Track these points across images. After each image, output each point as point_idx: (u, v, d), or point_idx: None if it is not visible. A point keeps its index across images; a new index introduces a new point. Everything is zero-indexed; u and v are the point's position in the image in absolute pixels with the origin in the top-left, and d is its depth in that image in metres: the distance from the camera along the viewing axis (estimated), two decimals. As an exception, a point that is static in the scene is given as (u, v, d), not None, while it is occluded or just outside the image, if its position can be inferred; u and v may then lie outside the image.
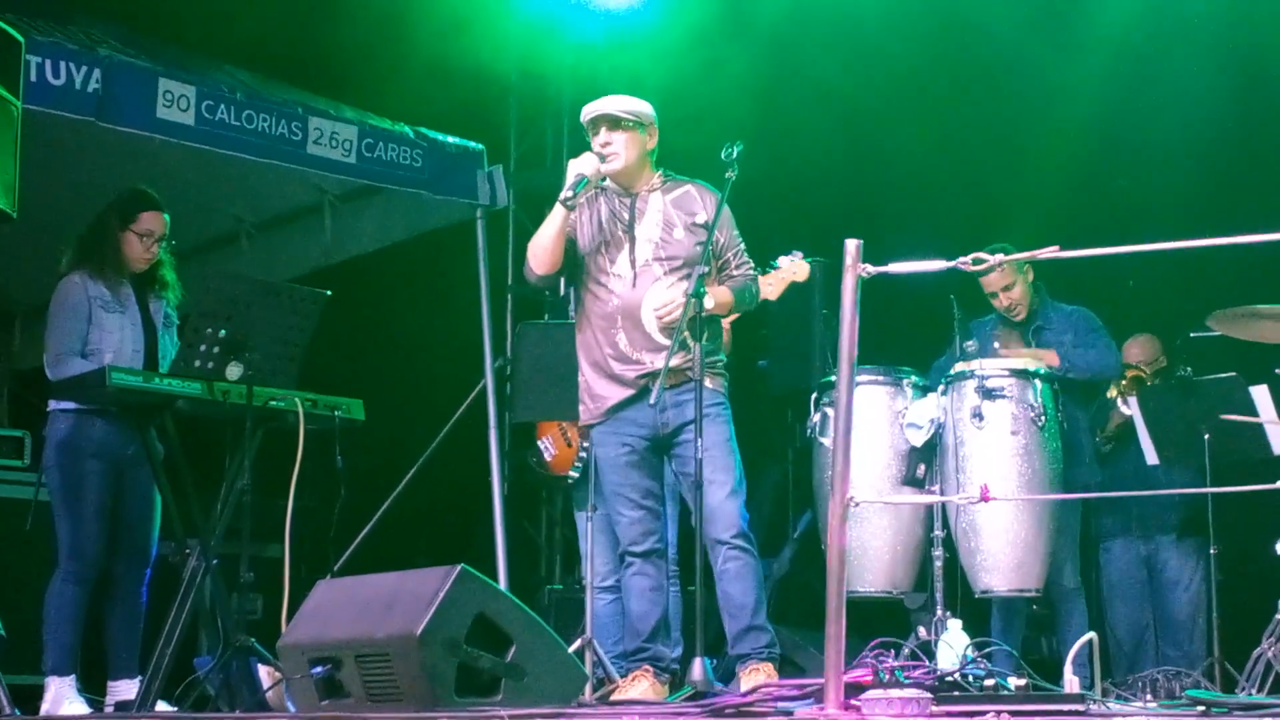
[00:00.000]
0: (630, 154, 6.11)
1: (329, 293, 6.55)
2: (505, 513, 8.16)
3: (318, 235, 8.55)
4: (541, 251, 6.13)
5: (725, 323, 6.42)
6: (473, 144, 8.39)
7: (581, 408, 6.21)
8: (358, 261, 9.07)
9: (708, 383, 6.02)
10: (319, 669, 5.10)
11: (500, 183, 8.35)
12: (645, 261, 6.07)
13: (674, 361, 5.93)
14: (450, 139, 8.28)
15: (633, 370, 6.05)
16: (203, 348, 6.24)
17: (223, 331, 6.24)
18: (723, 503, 5.95)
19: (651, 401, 5.87)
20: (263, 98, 7.62)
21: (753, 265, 6.23)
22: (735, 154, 5.96)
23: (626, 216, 6.14)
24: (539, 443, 7.58)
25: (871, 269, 4.73)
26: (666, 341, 5.95)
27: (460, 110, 8.76)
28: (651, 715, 4.82)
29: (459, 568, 4.97)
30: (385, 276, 9.44)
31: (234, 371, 6.27)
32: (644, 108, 6.17)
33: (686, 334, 5.87)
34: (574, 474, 7.37)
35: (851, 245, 4.72)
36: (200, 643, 7.56)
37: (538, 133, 9.92)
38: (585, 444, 7.27)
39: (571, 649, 6.28)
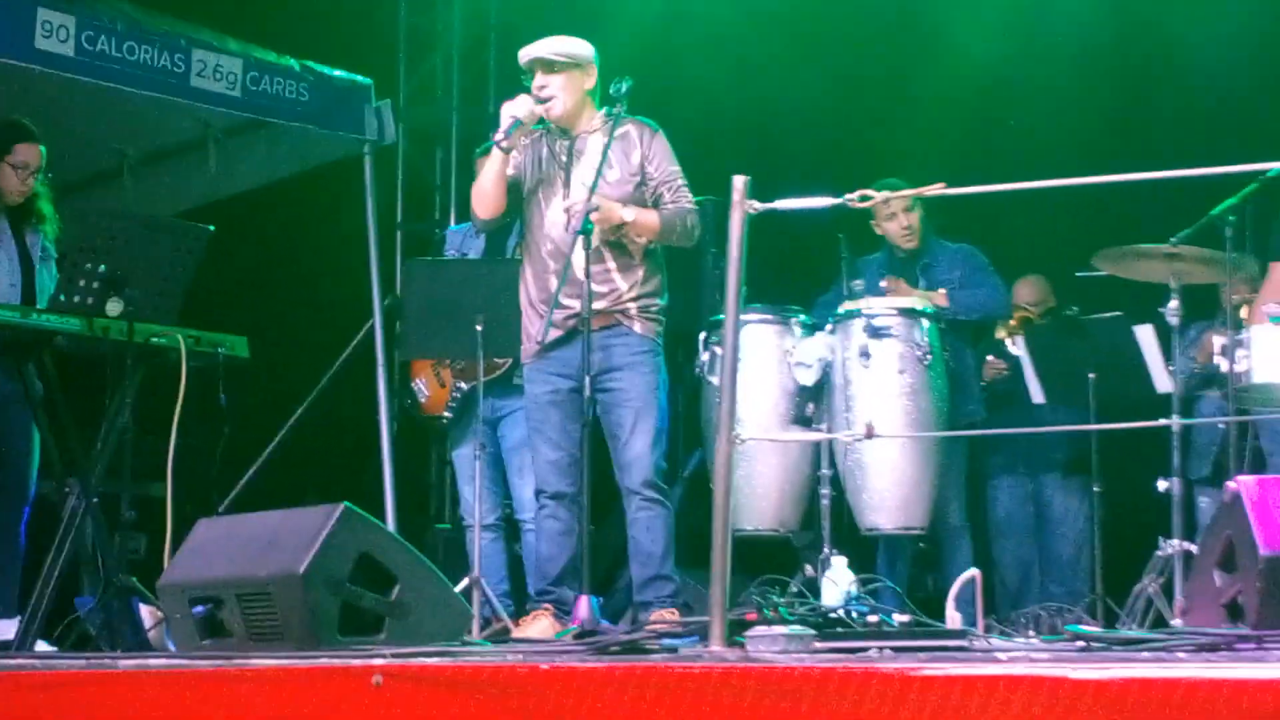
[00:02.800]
0: (568, 97, 6.11)
1: (212, 228, 6.45)
2: (393, 452, 8.10)
3: (202, 170, 8.40)
4: (482, 195, 6.16)
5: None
6: (361, 78, 8.28)
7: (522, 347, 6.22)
8: (244, 197, 8.94)
9: (637, 327, 6.08)
10: (200, 608, 5.03)
11: (389, 118, 8.25)
12: (578, 207, 6.03)
13: (603, 304, 5.97)
14: (338, 73, 8.17)
15: (562, 312, 6.03)
16: (82, 283, 6.12)
17: (102, 267, 6.13)
18: (640, 453, 6.05)
19: (538, 338, 5.89)
20: (145, 29, 7.46)
21: (692, 200, 6.20)
22: (624, 90, 5.95)
23: (564, 159, 6.14)
24: (413, 384, 7.55)
25: (758, 205, 4.72)
26: (595, 287, 5.94)
27: (349, 45, 8.65)
28: (536, 653, 4.80)
29: (342, 506, 4.93)
30: (272, 212, 9.32)
31: (114, 308, 6.15)
32: (581, 49, 6.14)
33: (576, 262, 5.86)
34: (448, 414, 7.34)
35: (739, 182, 4.71)
36: (81, 582, 7.45)
37: (428, 68, 9.81)
38: (460, 384, 7.25)
39: (458, 588, 6.27)
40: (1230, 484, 4.72)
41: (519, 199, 6.22)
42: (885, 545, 7.17)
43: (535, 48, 6.12)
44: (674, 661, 4.27)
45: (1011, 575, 8.03)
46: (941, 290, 7.31)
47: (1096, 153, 8.41)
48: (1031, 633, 6.54)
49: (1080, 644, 4.47)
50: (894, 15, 9.01)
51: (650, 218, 6.07)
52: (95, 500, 6.25)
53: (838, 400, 6.68)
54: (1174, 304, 6.48)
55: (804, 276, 7.88)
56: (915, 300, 6.93)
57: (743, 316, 6.61)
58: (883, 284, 7.34)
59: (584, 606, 5.75)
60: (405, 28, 9.79)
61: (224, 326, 6.54)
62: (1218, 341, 6.17)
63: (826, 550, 6.51)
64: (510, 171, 6.17)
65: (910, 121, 8.97)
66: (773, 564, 6.79)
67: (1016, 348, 7.65)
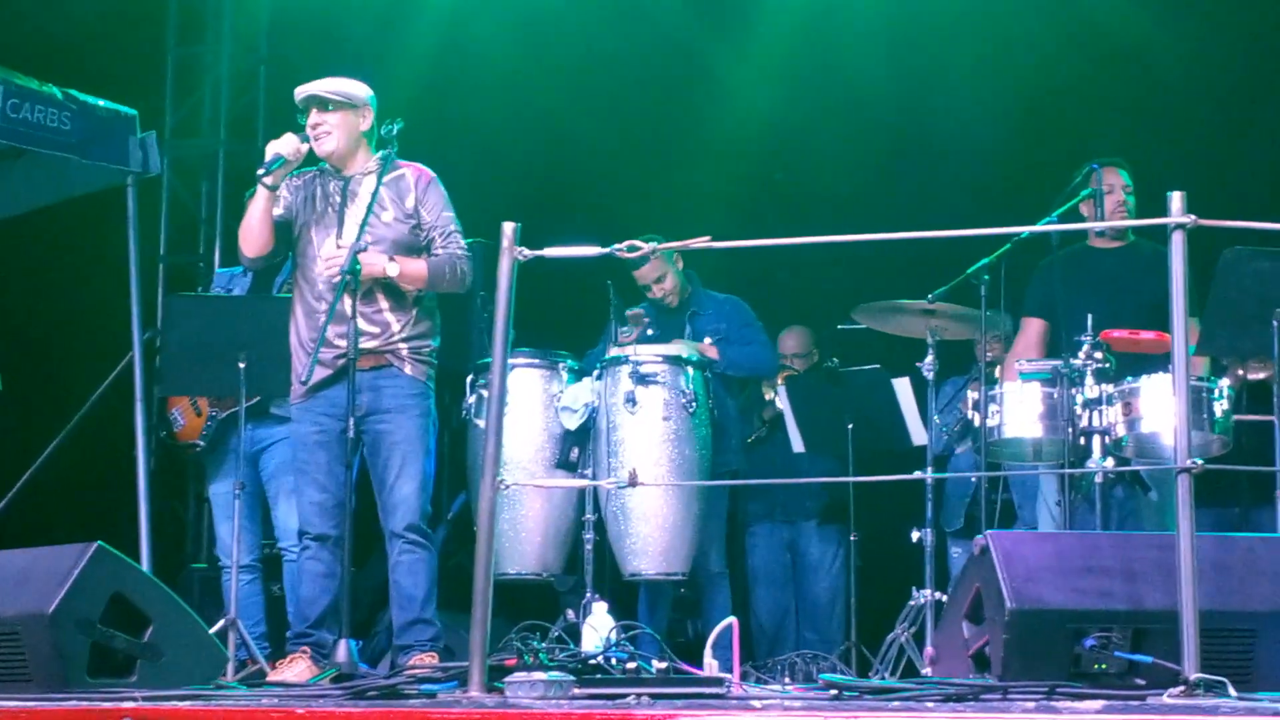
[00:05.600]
0: (341, 135, 6.07)
1: None
2: (150, 489, 7.92)
3: (-41, 197, 8.16)
4: (249, 233, 6.10)
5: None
6: (125, 109, 8.10)
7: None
8: (1, 225, 8.70)
9: (408, 369, 6.05)
10: (-57, 649, 4.89)
11: (154, 150, 8.07)
12: (349, 246, 5.98)
13: (374, 344, 5.96)
14: (102, 103, 7.98)
15: (331, 351, 5.98)
16: None
17: None
18: (406, 496, 6.02)
19: (302, 379, 5.85)
20: (-100, 52, 7.23)
21: (463, 246, 6.19)
22: (395, 131, 5.94)
23: (338, 199, 6.09)
24: (170, 413, 7.43)
25: (527, 252, 4.75)
26: (366, 326, 5.90)
27: (115, 75, 8.48)
28: (292, 696, 4.75)
29: (95, 545, 4.84)
30: (31, 242, 9.08)
31: None
32: (357, 90, 6.11)
33: (344, 302, 5.83)
34: (201, 443, 7.24)
35: (508, 228, 4.74)
36: None
37: (195, 101, 9.67)
38: (214, 412, 7.16)
39: (214, 630, 6.17)
40: (980, 537, 4.86)
41: (289, 238, 6.16)
42: (647, 590, 7.22)
43: (311, 86, 6.09)
44: (431, 707, 4.27)
45: (769, 622, 8.14)
46: (708, 340, 7.41)
47: (863, 208, 8.61)
48: (787, 680, 6.64)
49: (833, 692, 4.57)
50: (677, 66, 9.13)
51: (417, 268, 6.06)
52: None
53: (603, 446, 6.71)
54: (930, 359, 6.66)
55: (573, 322, 7.92)
56: (682, 349, 7.01)
57: (510, 360, 6.70)
58: (649, 333, 7.42)
59: (343, 650, 5.69)
60: (173, 59, 9.66)
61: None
62: (971, 397, 6.34)
63: (589, 595, 6.53)
64: (280, 211, 6.11)
65: (686, 172, 9.09)
66: (536, 608, 6.80)
67: (779, 398, 7.78)
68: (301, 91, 6.08)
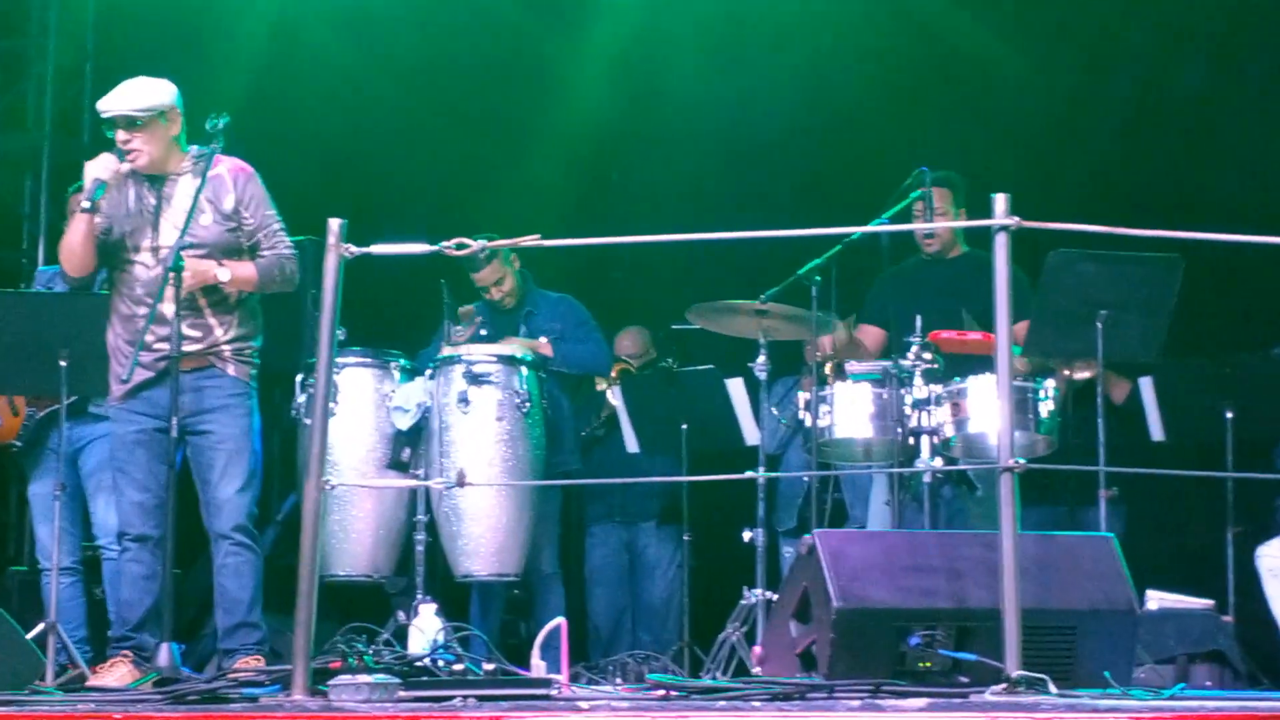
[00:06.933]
0: (153, 149, 5.94)
1: None
2: (-31, 491, 7.75)
3: None
4: (71, 255, 5.98)
5: None
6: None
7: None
8: None
9: (231, 369, 5.97)
10: None
11: (-25, 144, 7.92)
12: (170, 247, 5.85)
13: (197, 346, 5.87)
14: (-80, 94, 7.80)
15: (151, 354, 5.87)
16: None
17: None
18: (231, 497, 5.93)
19: (123, 376, 5.74)
20: None
21: (289, 245, 6.09)
22: (220, 126, 5.83)
23: (154, 202, 5.97)
24: None
25: (354, 249, 4.70)
26: (188, 330, 5.80)
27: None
28: (110, 701, 4.65)
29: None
30: None
31: None
32: (160, 98, 5.94)
33: (160, 306, 5.72)
34: (18, 443, 7.08)
35: (334, 225, 4.69)
36: None
37: (18, 94, 9.45)
38: (32, 411, 7.02)
39: (32, 634, 6.03)
40: (807, 536, 4.88)
41: (108, 246, 6.01)
42: (479, 592, 7.17)
43: (114, 104, 5.91)
44: (253, 711, 4.21)
45: (605, 623, 8.13)
46: (544, 339, 7.38)
47: (699, 208, 8.64)
48: (619, 681, 6.63)
49: (660, 692, 4.56)
50: (513, 63, 9.09)
51: (247, 271, 5.97)
52: None
53: (435, 446, 6.66)
54: (762, 359, 6.68)
55: (406, 321, 7.85)
56: (516, 348, 6.97)
57: (341, 359, 6.65)
58: (483, 330, 7.37)
59: (165, 654, 5.58)
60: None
61: None
62: (802, 397, 6.38)
63: (420, 597, 6.47)
64: (100, 221, 5.98)
65: (523, 170, 9.05)
66: (367, 611, 6.72)
67: (615, 397, 7.76)
68: (106, 110, 5.92)
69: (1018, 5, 8.67)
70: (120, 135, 5.92)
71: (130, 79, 5.97)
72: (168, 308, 5.75)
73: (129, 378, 5.82)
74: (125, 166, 5.92)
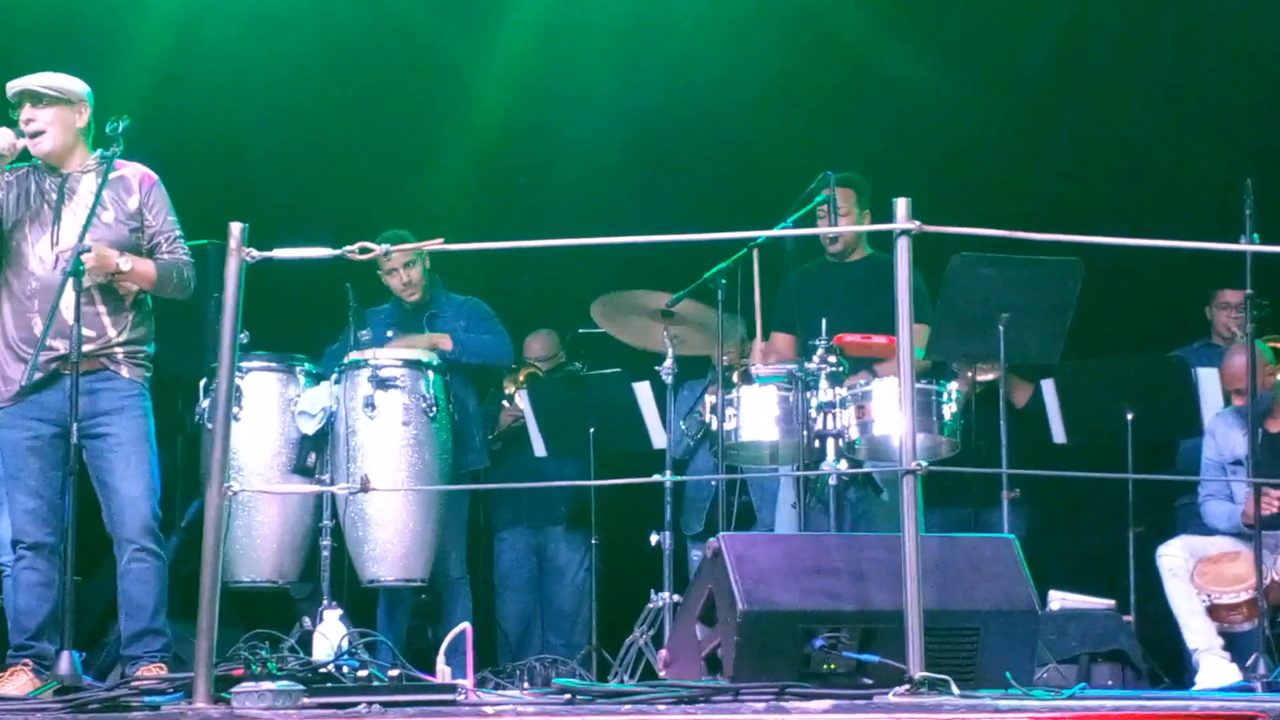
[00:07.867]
0: (57, 132, 5.87)
1: None
2: None
3: None
4: None
5: None
6: None
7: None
8: None
9: (124, 371, 5.89)
10: None
11: None
12: (69, 246, 5.78)
13: (90, 348, 5.77)
14: None
15: (45, 354, 5.78)
16: None
17: None
18: (134, 501, 5.84)
19: (21, 381, 5.66)
20: None
21: (188, 252, 6.04)
22: (120, 129, 5.77)
23: (54, 197, 5.89)
24: None
25: (256, 254, 4.67)
26: (82, 330, 5.72)
27: None
28: (8, 710, 4.60)
29: None
30: None
31: None
32: (73, 85, 5.92)
33: (62, 310, 5.65)
34: None
35: (235, 229, 4.66)
36: None
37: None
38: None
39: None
40: (712, 540, 4.90)
41: (3, 230, 5.94)
42: (386, 597, 7.14)
43: (24, 80, 5.89)
44: (155, 718, 4.17)
45: (513, 627, 8.13)
46: (445, 334, 7.35)
47: (606, 211, 8.64)
48: (526, 685, 6.62)
49: (566, 696, 4.57)
50: (419, 64, 9.05)
51: (147, 267, 5.92)
52: None
53: (341, 451, 6.63)
54: (669, 363, 6.69)
55: (312, 325, 7.80)
56: (420, 351, 6.95)
57: (245, 364, 6.61)
58: (389, 331, 7.35)
59: (65, 661, 5.51)
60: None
61: None
62: (709, 400, 6.39)
63: (326, 602, 6.44)
64: None
65: (430, 173, 9.03)
66: (272, 617, 6.67)
67: (522, 401, 7.76)
68: (14, 86, 5.88)
69: (923, 17, 8.74)
70: (25, 112, 5.87)
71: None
72: (68, 312, 5.69)
73: (28, 381, 5.73)
74: (23, 143, 5.86)
